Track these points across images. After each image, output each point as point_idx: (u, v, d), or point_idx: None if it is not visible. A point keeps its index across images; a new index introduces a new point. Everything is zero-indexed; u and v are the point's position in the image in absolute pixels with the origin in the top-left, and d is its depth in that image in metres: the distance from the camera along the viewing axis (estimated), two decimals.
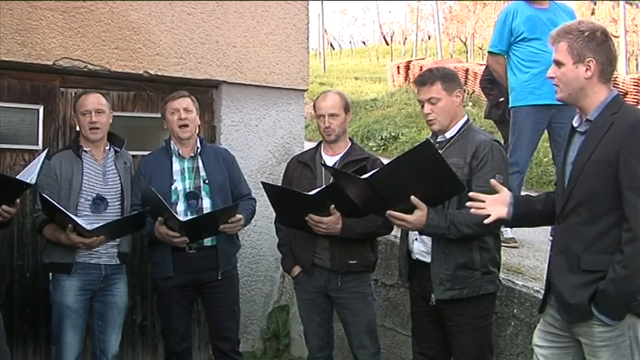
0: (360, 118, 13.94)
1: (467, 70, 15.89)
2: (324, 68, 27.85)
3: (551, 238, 2.97)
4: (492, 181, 2.97)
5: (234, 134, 5.47)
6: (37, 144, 4.70)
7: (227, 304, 4.27)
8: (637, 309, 2.60)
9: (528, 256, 4.68)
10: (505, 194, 2.94)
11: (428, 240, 3.40)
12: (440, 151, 3.31)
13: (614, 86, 2.85)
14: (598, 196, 2.63)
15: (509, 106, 5.25)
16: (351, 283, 3.97)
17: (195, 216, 4.03)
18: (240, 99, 5.51)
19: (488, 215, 2.88)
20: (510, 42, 5.13)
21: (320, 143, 4.15)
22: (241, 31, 5.41)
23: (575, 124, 2.81)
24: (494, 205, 2.91)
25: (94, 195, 3.99)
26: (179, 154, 4.17)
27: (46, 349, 4.73)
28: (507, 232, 4.91)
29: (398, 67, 19.90)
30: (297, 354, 5.55)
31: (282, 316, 5.63)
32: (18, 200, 3.58)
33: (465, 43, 30.54)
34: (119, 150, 4.17)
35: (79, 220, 3.73)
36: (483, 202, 2.92)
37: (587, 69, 2.69)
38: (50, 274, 4.03)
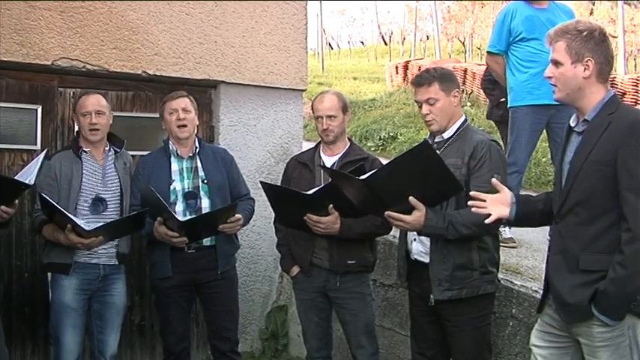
0: (358, 118, 13.96)
1: (465, 70, 15.92)
2: (323, 68, 27.89)
3: (549, 238, 2.97)
4: (493, 180, 2.97)
5: (233, 134, 5.47)
6: (36, 144, 4.70)
7: (226, 304, 4.27)
8: (637, 309, 2.60)
9: (527, 256, 4.68)
10: (506, 194, 2.94)
11: (426, 240, 3.40)
12: (438, 151, 3.31)
13: (612, 86, 2.86)
14: (596, 196, 2.63)
15: (508, 106, 5.25)
16: (349, 283, 3.97)
17: (194, 216, 4.02)
18: (238, 99, 5.51)
19: (489, 215, 2.89)
20: (509, 42, 5.13)
21: (319, 143, 4.15)
22: (240, 31, 5.41)
23: (572, 124, 2.81)
24: (495, 204, 2.91)
25: (94, 196, 3.99)
26: (177, 154, 4.17)
27: (44, 349, 4.73)
28: (506, 232, 4.92)
29: (396, 67, 19.93)
30: (295, 354, 5.55)
31: (281, 316, 5.63)
32: (16, 201, 3.58)
33: (463, 43, 30.57)
34: (119, 151, 4.16)
35: (78, 221, 3.73)
36: (484, 201, 2.92)
37: (585, 69, 2.69)
38: (49, 274, 4.03)
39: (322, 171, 3.94)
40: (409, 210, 3.14)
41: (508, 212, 2.90)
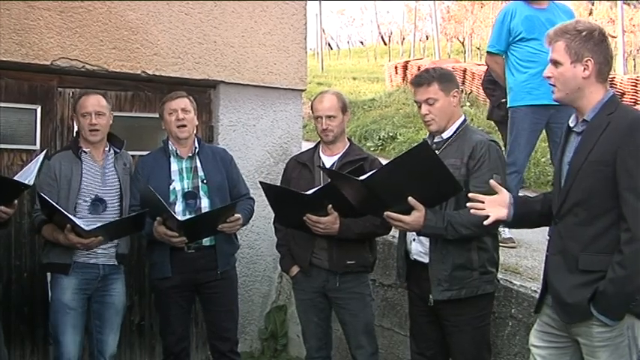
0: (357, 118, 13.96)
1: (464, 70, 15.92)
2: (322, 68, 27.91)
3: (548, 238, 2.97)
4: (492, 181, 2.97)
5: (232, 134, 5.47)
6: (35, 144, 4.70)
7: (225, 304, 4.27)
8: (636, 309, 2.60)
9: (526, 256, 4.68)
10: (504, 195, 2.93)
11: (426, 240, 3.40)
12: (437, 151, 3.31)
13: (611, 86, 2.86)
14: (595, 197, 2.63)
15: (507, 106, 5.26)
16: (349, 283, 3.97)
17: (192, 216, 4.02)
18: (237, 99, 5.51)
19: (488, 216, 2.89)
20: (509, 42, 5.13)
21: (318, 143, 4.15)
22: (239, 31, 5.41)
23: (571, 124, 2.81)
24: (493, 205, 2.91)
25: (93, 196, 3.99)
26: (177, 154, 4.17)
27: (43, 349, 4.73)
28: (505, 233, 4.92)
29: (396, 67, 19.94)
30: (294, 354, 5.55)
31: (280, 316, 5.63)
32: (16, 201, 3.58)
33: (462, 44, 30.58)
34: (119, 151, 4.16)
35: (77, 221, 3.73)
36: (482, 202, 2.92)
37: (584, 68, 2.69)
38: (48, 274, 4.03)
39: (322, 171, 3.94)
40: (408, 210, 3.14)
41: (506, 213, 2.90)
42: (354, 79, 23.67)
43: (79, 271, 3.97)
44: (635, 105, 11.10)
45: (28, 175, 3.50)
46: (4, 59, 4.45)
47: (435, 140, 3.49)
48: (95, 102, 4.04)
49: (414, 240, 3.49)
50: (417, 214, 3.14)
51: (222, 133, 5.42)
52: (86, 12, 4.74)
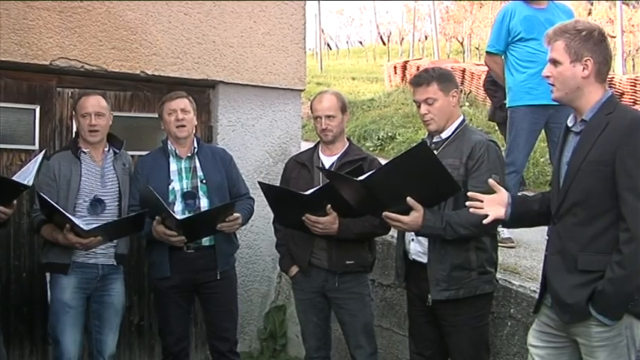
0: (357, 118, 13.97)
1: (464, 71, 15.93)
2: (321, 68, 27.91)
3: (547, 238, 2.97)
4: (490, 180, 2.97)
5: (231, 134, 5.47)
6: (34, 144, 4.69)
7: (225, 305, 4.27)
8: (634, 309, 2.60)
9: (525, 256, 4.68)
10: (503, 194, 2.94)
11: (424, 240, 3.40)
12: (436, 151, 3.32)
13: (610, 86, 2.86)
14: (594, 197, 2.63)
15: (507, 106, 5.26)
16: (348, 283, 3.97)
17: (191, 214, 4.02)
18: (237, 99, 5.51)
19: (487, 215, 2.89)
20: (508, 42, 5.12)
21: (318, 143, 4.15)
22: (238, 31, 5.41)
23: (569, 124, 2.81)
24: (492, 205, 2.91)
25: (92, 197, 3.99)
26: (176, 154, 4.17)
27: (42, 349, 4.73)
28: (504, 233, 4.92)
29: (395, 67, 19.95)
30: (293, 354, 5.55)
31: (279, 316, 5.64)
32: (15, 201, 3.58)
33: (461, 44, 30.58)
34: (118, 151, 4.16)
35: (76, 221, 3.73)
36: (481, 201, 2.92)
37: (584, 68, 2.68)
38: (48, 274, 4.03)
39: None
40: (407, 210, 3.14)
41: (504, 213, 2.90)
42: (353, 79, 23.67)
43: (78, 271, 3.97)
44: (634, 105, 11.09)
45: (27, 176, 3.50)
46: (3, 59, 4.45)
47: (433, 140, 3.49)
48: (95, 103, 4.04)
49: (412, 240, 3.49)
50: (416, 215, 3.14)
51: (222, 133, 5.42)
52: (85, 12, 4.74)
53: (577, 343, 2.74)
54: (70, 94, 4.82)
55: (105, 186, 4.05)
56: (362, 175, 3.26)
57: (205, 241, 4.12)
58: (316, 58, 29.73)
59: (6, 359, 3.96)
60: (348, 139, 4.16)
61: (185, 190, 4.11)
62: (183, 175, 4.15)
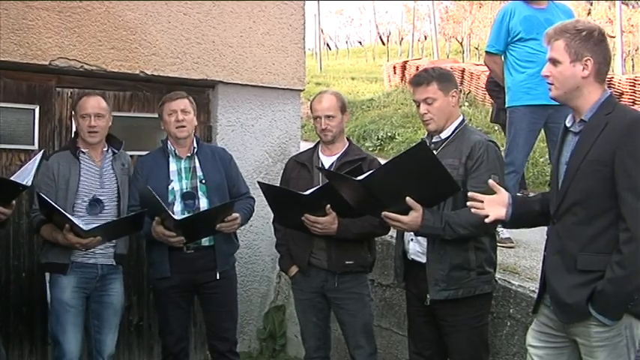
0: (356, 118, 13.98)
1: (463, 71, 15.94)
2: (321, 68, 27.93)
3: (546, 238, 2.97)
4: (490, 181, 2.97)
5: (231, 134, 5.47)
6: (33, 144, 4.69)
7: (225, 305, 4.26)
8: (634, 309, 2.60)
9: (525, 256, 4.68)
10: (503, 195, 2.93)
11: (423, 240, 3.40)
12: (435, 151, 3.31)
13: (609, 86, 2.86)
14: (594, 196, 2.62)
15: (506, 106, 5.26)
16: (348, 283, 3.97)
17: (189, 214, 4.02)
18: (236, 99, 5.51)
19: (487, 215, 2.89)
20: (507, 42, 5.12)
21: (318, 143, 4.15)
22: (237, 31, 5.41)
23: (568, 124, 2.81)
24: (493, 205, 2.91)
25: (91, 197, 3.98)
26: (176, 154, 4.16)
27: (42, 349, 4.73)
28: (503, 233, 4.92)
29: (394, 67, 19.95)
30: (293, 354, 5.55)
31: (279, 316, 5.64)
32: (14, 201, 3.58)
33: (461, 44, 30.59)
34: (117, 152, 4.16)
35: (76, 221, 3.73)
36: (482, 202, 2.92)
37: (584, 68, 2.68)
38: (47, 275, 4.03)
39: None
40: (406, 210, 3.14)
41: (504, 213, 2.90)
42: (353, 79, 23.68)
43: (78, 271, 3.97)
44: (633, 105, 11.10)
45: (25, 176, 3.49)
46: (3, 59, 4.44)
47: (433, 140, 3.49)
48: (95, 104, 4.03)
49: (411, 240, 3.49)
50: (415, 214, 3.14)
51: (221, 133, 5.42)
52: (84, 12, 4.73)
53: (576, 343, 2.74)
54: (69, 94, 4.82)
55: (104, 186, 4.05)
56: (361, 175, 3.26)
57: (205, 241, 4.11)
58: (315, 58, 29.75)
59: (5, 359, 3.96)
60: (348, 139, 4.16)
61: (184, 191, 4.10)
62: (183, 175, 4.14)
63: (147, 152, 4.45)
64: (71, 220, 3.70)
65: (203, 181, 4.14)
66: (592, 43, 2.68)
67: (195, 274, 4.11)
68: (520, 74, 5.04)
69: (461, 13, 30.67)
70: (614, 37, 16.95)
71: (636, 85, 12.43)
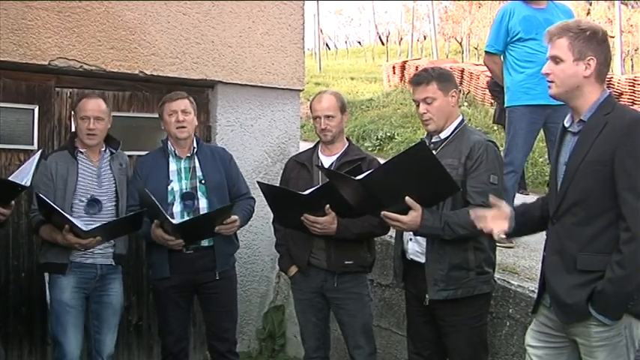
0: (355, 118, 13.96)
1: (462, 71, 15.92)
2: (320, 68, 27.90)
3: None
4: (491, 198, 2.98)
5: (230, 134, 5.47)
6: (33, 144, 4.69)
7: (225, 305, 4.26)
8: (634, 309, 2.60)
9: (524, 256, 4.68)
10: (505, 208, 2.94)
11: (422, 240, 3.40)
12: (434, 151, 3.32)
13: (609, 86, 2.86)
14: (593, 197, 2.62)
15: (505, 105, 5.26)
16: (347, 283, 3.97)
17: (188, 218, 4.02)
18: (235, 99, 5.51)
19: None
20: (506, 42, 5.12)
21: (318, 143, 4.15)
22: (237, 31, 5.41)
23: (566, 125, 2.81)
24: (496, 220, 2.92)
25: (89, 196, 3.98)
26: (176, 154, 4.16)
27: (41, 349, 4.73)
28: None
29: (394, 68, 19.93)
30: (292, 354, 5.55)
31: (278, 316, 5.63)
32: (13, 202, 3.57)
33: (460, 44, 30.56)
34: (115, 152, 4.15)
35: (75, 221, 3.72)
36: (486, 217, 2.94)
37: (586, 67, 2.67)
38: (47, 275, 4.02)
39: (320, 171, 3.94)
40: (406, 210, 3.14)
41: (507, 226, 2.91)
42: (352, 79, 23.66)
43: (77, 271, 3.97)
44: (632, 105, 11.11)
45: (24, 176, 3.49)
46: (2, 59, 4.44)
47: (432, 140, 3.49)
48: (95, 106, 4.03)
49: (410, 240, 3.49)
50: (414, 214, 3.14)
51: (220, 133, 5.42)
52: (84, 12, 4.73)
53: (575, 343, 2.74)
54: (68, 94, 4.82)
55: (102, 186, 4.05)
56: (361, 174, 3.26)
57: (205, 241, 4.11)
58: (315, 58, 29.73)
59: (4, 359, 3.96)
60: (348, 139, 4.16)
61: (184, 191, 4.10)
62: (183, 175, 4.14)
63: (146, 152, 4.45)
64: (71, 221, 3.70)
65: (202, 182, 4.13)
66: (595, 43, 2.68)
67: (195, 274, 4.11)
68: (519, 74, 5.04)
69: (460, 13, 30.64)
70: (613, 37, 16.94)
71: (635, 85, 12.44)
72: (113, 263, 4.10)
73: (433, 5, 26.92)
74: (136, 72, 4.98)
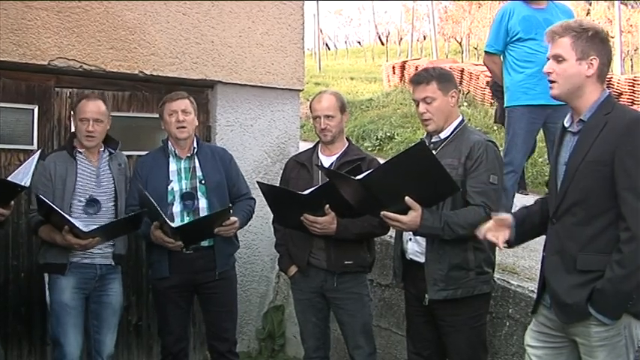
0: (355, 118, 13.95)
1: (462, 71, 15.91)
2: (320, 68, 27.88)
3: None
4: (493, 215, 2.98)
5: (230, 134, 5.47)
6: (32, 144, 4.69)
7: (225, 305, 4.26)
8: (633, 309, 2.60)
9: (523, 256, 4.67)
10: (506, 217, 2.94)
11: (422, 240, 3.40)
12: (434, 151, 3.31)
13: (608, 86, 2.86)
14: (593, 196, 2.62)
15: (504, 105, 5.26)
16: (347, 283, 3.97)
17: (186, 222, 4.01)
18: (235, 99, 5.51)
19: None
20: (506, 42, 5.12)
21: (318, 143, 4.15)
22: (236, 31, 5.41)
23: (566, 124, 2.81)
24: (498, 229, 2.92)
25: (88, 196, 3.98)
26: (176, 154, 4.16)
27: (40, 349, 4.72)
28: None
29: (393, 68, 19.92)
30: (292, 354, 5.55)
31: (278, 316, 5.63)
32: (12, 202, 3.57)
33: (460, 44, 30.54)
34: (113, 152, 4.15)
35: (75, 222, 3.72)
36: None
37: (589, 67, 2.67)
38: (46, 276, 4.02)
39: (320, 171, 3.94)
40: (405, 210, 3.14)
41: (510, 235, 2.91)
42: (352, 79, 23.65)
43: (76, 271, 3.97)
44: (632, 105, 11.11)
45: (23, 176, 3.49)
46: (2, 59, 4.44)
47: (432, 140, 3.49)
48: (95, 108, 4.02)
49: (410, 239, 3.49)
50: (414, 214, 3.14)
51: (220, 133, 5.42)
52: (83, 12, 4.73)
53: (575, 343, 2.74)
54: (68, 94, 4.82)
55: (100, 186, 4.05)
56: (361, 174, 3.26)
57: (204, 241, 4.11)
58: (315, 58, 29.72)
59: (4, 359, 3.95)
60: (348, 139, 4.16)
61: (184, 191, 4.10)
62: (183, 175, 4.14)
63: (146, 152, 4.45)
64: (70, 221, 3.70)
65: (202, 182, 4.13)
66: (598, 43, 2.68)
67: (195, 274, 4.11)
68: (519, 74, 5.04)
69: (460, 13, 30.62)
70: (613, 37, 16.94)
71: (635, 85, 12.43)
72: (112, 263, 4.10)
73: (433, 5, 26.90)
74: (136, 72, 4.97)
